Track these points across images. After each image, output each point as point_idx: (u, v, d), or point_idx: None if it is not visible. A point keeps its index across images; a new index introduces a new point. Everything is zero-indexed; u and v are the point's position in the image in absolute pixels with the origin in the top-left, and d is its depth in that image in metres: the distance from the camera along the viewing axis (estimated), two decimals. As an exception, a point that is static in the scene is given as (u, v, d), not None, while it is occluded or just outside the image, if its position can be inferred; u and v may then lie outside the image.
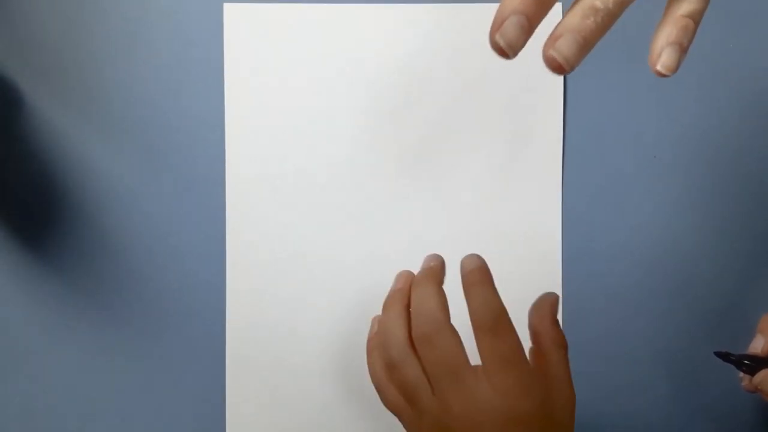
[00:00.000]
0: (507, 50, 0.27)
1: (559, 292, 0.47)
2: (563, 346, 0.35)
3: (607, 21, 0.28)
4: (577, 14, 0.28)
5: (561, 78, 0.47)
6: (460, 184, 0.47)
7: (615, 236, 0.48)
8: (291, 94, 0.47)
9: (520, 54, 0.48)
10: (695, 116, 0.48)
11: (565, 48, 0.28)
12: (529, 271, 0.47)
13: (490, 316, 0.33)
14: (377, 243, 0.47)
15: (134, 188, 0.46)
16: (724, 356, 0.41)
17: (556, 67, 0.28)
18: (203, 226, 0.47)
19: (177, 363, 0.47)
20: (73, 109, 0.46)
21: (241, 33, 0.46)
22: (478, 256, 0.35)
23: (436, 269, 0.37)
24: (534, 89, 0.47)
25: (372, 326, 0.38)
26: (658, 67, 0.28)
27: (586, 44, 0.28)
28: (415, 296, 0.35)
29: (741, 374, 0.41)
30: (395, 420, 0.47)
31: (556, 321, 0.36)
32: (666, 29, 0.29)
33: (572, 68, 0.28)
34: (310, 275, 0.47)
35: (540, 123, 0.47)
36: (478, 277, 0.34)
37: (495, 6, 0.45)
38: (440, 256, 0.37)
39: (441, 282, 0.36)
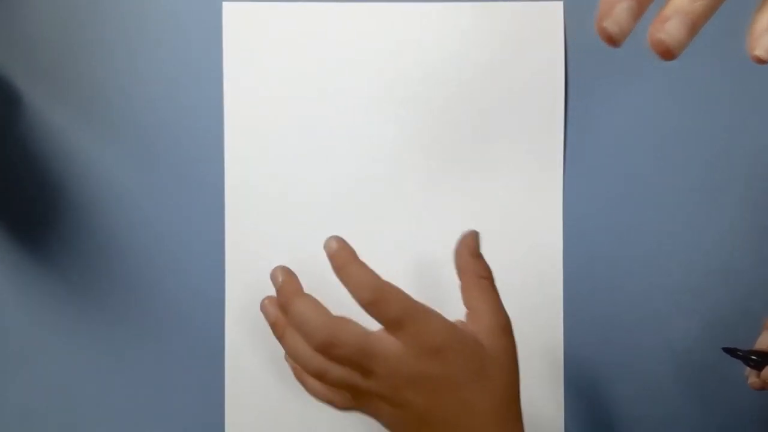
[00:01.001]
0: (617, 37, 0.27)
1: (560, 293, 0.47)
2: (484, 276, 0.37)
3: (714, 3, 0.27)
4: None
5: (562, 78, 0.47)
6: (460, 185, 0.47)
7: (617, 235, 0.48)
8: (290, 94, 0.47)
9: (520, 54, 0.48)
10: (696, 116, 0.47)
11: (675, 30, 0.26)
12: (529, 270, 0.47)
13: (368, 290, 0.34)
14: (375, 244, 0.47)
15: (133, 188, 0.46)
16: (732, 352, 0.42)
17: (663, 51, 0.26)
18: (202, 226, 0.47)
19: (176, 364, 0.47)
20: (72, 108, 0.46)
21: (240, 32, 0.46)
22: (336, 238, 0.36)
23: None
24: (534, 89, 0.47)
25: (267, 315, 0.38)
26: (757, 52, 0.27)
27: (694, 27, 0.27)
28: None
29: (748, 370, 0.42)
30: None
31: (476, 254, 0.37)
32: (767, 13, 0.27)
33: (680, 53, 0.27)
34: (308, 276, 0.47)
35: (540, 123, 0.47)
36: (344, 257, 0.36)
37: (495, 5, 0.45)
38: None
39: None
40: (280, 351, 0.46)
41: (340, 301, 0.45)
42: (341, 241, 0.36)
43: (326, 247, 0.36)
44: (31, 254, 0.46)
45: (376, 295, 0.34)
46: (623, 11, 0.26)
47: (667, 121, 0.47)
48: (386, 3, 0.47)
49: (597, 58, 0.47)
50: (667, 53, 0.26)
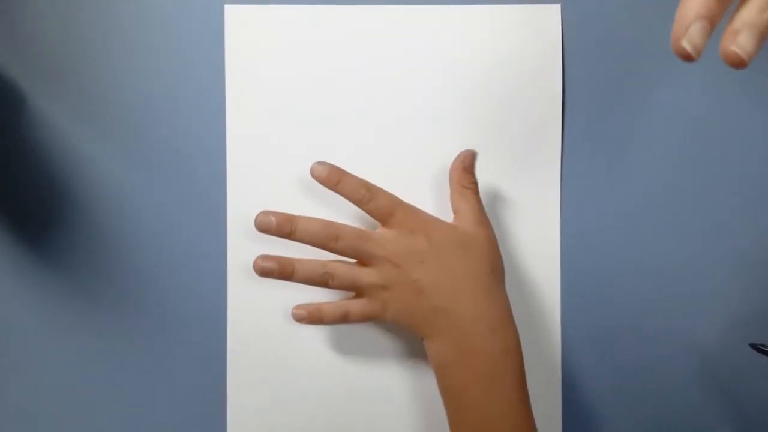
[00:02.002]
0: (693, 55, 0.29)
1: (558, 292, 0.48)
2: (467, 186, 0.44)
3: None
4: (753, 8, 0.29)
5: (559, 80, 0.47)
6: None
7: (615, 237, 0.48)
8: (292, 95, 0.47)
9: (518, 57, 0.48)
10: (695, 116, 0.48)
11: (746, 43, 0.29)
12: (527, 272, 0.47)
13: (363, 188, 0.42)
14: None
15: (135, 189, 0.47)
16: (759, 348, 0.43)
17: (737, 62, 0.29)
18: (204, 227, 0.47)
19: (178, 364, 0.47)
20: (75, 110, 0.46)
21: (242, 34, 0.47)
22: (321, 163, 0.43)
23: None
24: (532, 92, 0.47)
25: (270, 270, 0.42)
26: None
27: (762, 38, 0.29)
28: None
29: None
30: (395, 420, 0.47)
31: (467, 168, 0.44)
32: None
33: (750, 62, 0.29)
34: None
35: (538, 125, 0.47)
36: (337, 174, 0.42)
37: (492, 7, 0.45)
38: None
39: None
40: (283, 351, 0.47)
41: (342, 294, 0.46)
42: (327, 164, 0.43)
43: (315, 172, 0.42)
44: (32, 254, 0.47)
45: (371, 192, 0.42)
46: (697, 31, 0.29)
47: (667, 122, 0.48)
48: (386, 6, 0.47)
49: (594, 60, 0.47)
50: (740, 64, 0.29)
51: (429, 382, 0.47)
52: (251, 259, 0.46)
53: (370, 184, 0.43)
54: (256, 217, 0.42)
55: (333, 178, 0.42)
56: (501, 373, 0.39)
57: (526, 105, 0.47)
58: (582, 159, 0.48)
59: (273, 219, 0.41)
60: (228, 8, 0.46)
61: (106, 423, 0.47)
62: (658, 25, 0.47)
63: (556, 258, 0.48)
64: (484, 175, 0.47)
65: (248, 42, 0.47)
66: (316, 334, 0.47)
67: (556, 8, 0.47)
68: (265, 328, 0.47)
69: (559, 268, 0.48)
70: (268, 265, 0.42)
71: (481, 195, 0.45)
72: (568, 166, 0.48)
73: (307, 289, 0.44)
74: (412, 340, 0.47)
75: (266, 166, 0.47)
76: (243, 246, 0.47)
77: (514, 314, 0.42)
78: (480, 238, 0.42)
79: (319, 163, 0.43)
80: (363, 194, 0.42)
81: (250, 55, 0.47)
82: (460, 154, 0.45)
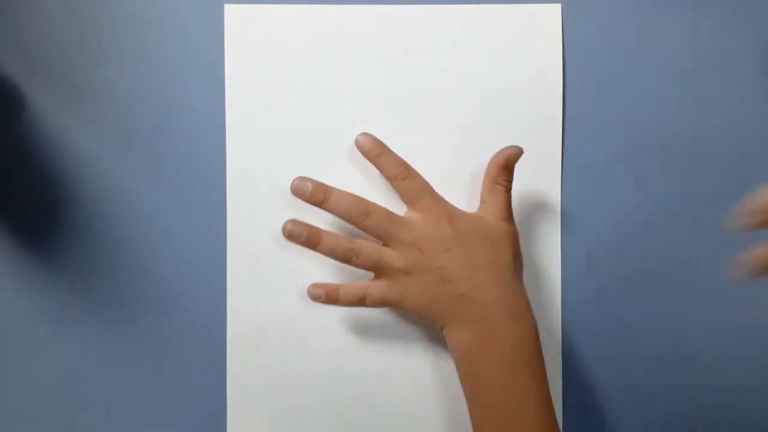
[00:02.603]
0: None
1: (558, 289, 0.47)
2: (500, 183, 0.44)
3: None
4: None
5: (560, 80, 0.47)
6: (459, 185, 0.47)
7: (615, 236, 0.48)
8: (292, 95, 0.47)
9: (519, 56, 0.48)
10: (695, 116, 0.48)
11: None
12: (528, 270, 0.47)
13: (401, 166, 0.44)
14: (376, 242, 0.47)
15: (135, 189, 0.47)
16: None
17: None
18: (204, 226, 0.47)
19: (178, 364, 0.47)
20: (75, 109, 0.46)
21: (242, 34, 0.47)
22: (366, 135, 0.45)
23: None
24: (533, 91, 0.47)
25: (298, 235, 0.44)
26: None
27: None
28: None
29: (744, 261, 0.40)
30: (396, 421, 0.47)
31: (505, 166, 0.44)
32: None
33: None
34: (311, 275, 0.47)
35: (538, 125, 0.47)
36: (379, 148, 0.44)
37: (492, 7, 0.45)
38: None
39: None
40: (284, 351, 0.47)
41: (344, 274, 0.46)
42: (371, 135, 0.45)
43: (359, 142, 0.45)
44: (33, 254, 0.47)
45: (407, 172, 0.43)
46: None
47: (666, 122, 0.48)
48: (386, 5, 0.47)
49: (595, 60, 0.47)
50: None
51: (432, 376, 0.47)
52: (251, 259, 0.46)
53: (408, 164, 0.44)
54: (293, 182, 0.43)
55: (375, 150, 0.44)
56: (523, 361, 0.40)
57: (527, 105, 0.47)
58: (583, 159, 0.48)
59: (309, 185, 0.43)
60: (228, 7, 0.46)
61: (106, 422, 0.47)
62: (657, 24, 0.47)
63: (556, 258, 0.48)
64: (482, 174, 0.47)
65: (248, 41, 0.47)
66: (317, 333, 0.47)
67: (556, 8, 0.47)
68: (265, 328, 0.47)
69: (559, 268, 0.48)
70: (297, 229, 0.43)
71: (480, 191, 0.45)
72: (568, 166, 0.48)
73: (307, 287, 0.44)
74: (418, 337, 0.47)
75: (266, 164, 0.47)
76: (243, 246, 0.47)
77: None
78: (503, 232, 0.43)
79: (363, 134, 0.44)
80: (400, 171, 0.43)
81: (250, 54, 0.47)
82: (505, 150, 0.44)
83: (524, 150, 0.44)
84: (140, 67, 0.46)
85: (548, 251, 0.48)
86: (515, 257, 0.43)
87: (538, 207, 0.47)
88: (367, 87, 0.47)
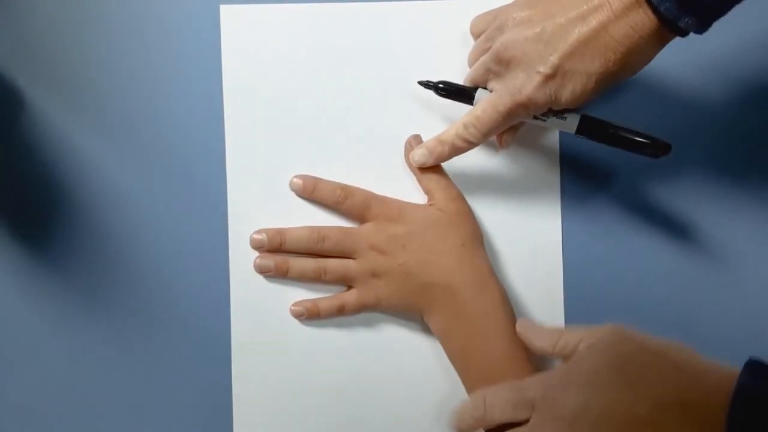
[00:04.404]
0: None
1: (561, 289, 0.47)
2: (427, 170, 0.45)
3: None
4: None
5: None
6: (459, 185, 0.46)
7: (615, 234, 0.48)
8: (289, 95, 0.47)
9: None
10: (697, 115, 0.47)
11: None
12: (529, 270, 0.47)
13: (338, 189, 0.46)
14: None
15: (135, 189, 0.47)
16: (425, 84, 0.45)
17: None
18: (205, 226, 0.47)
19: (182, 363, 0.47)
20: (74, 110, 0.47)
21: (238, 34, 0.47)
22: (297, 176, 0.46)
23: None
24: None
25: (266, 267, 0.47)
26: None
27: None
28: None
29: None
30: (402, 417, 0.47)
31: (413, 161, 0.45)
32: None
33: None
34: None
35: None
36: (311, 184, 0.46)
37: (493, 2, 0.44)
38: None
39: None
40: (287, 349, 0.47)
41: (339, 289, 0.46)
42: (302, 175, 0.46)
43: (293, 186, 0.46)
44: (33, 254, 0.47)
45: (345, 191, 0.45)
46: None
47: (666, 121, 0.47)
48: (383, 3, 0.47)
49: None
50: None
51: (436, 370, 0.47)
52: (252, 256, 0.46)
53: (344, 184, 0.46)
54: (250, 238, 0.46)
55: (309, 186, 0.46)
56: (493, 326, 0.43)
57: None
58: (582, 159, 0.47)
59: (265, 236, 0.46)
60: (224, 8, 0.47)
61: (110, 420, 0.47)
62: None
63: (557, 258, 0.47)
64: (483, 175, 0.47)
65: (244, 41, 0.47)
66: (320, 328, 0.47)
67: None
68: (268, 323, 0.47)
69: (561, 267, 0.47)
70: (265, 262, 0.46)
71: (481, 195, 0.46)
72: (568, 166, 0.47)
73: (311, 289, 0.45)
74: (419, 334, 0.47)
75: (265, 164, 0.47)
76: (245, 245, 0.47)
77: (516, 315, 0.44)
78: (452, 213, 0.45)
79: (296, 176, 0.46)
80: (338, 195, 0.45)
81: (246, 55, 0.47)
82: (406, 143, 0.46)
83: (525, 149, 0.46)
84: (138, 68, 0.47)
85: (549, 250, 0.47)
86: (471, 233, 0.45)
87: (538, 205, 0.47)
88: (364, 85, 0.47)
